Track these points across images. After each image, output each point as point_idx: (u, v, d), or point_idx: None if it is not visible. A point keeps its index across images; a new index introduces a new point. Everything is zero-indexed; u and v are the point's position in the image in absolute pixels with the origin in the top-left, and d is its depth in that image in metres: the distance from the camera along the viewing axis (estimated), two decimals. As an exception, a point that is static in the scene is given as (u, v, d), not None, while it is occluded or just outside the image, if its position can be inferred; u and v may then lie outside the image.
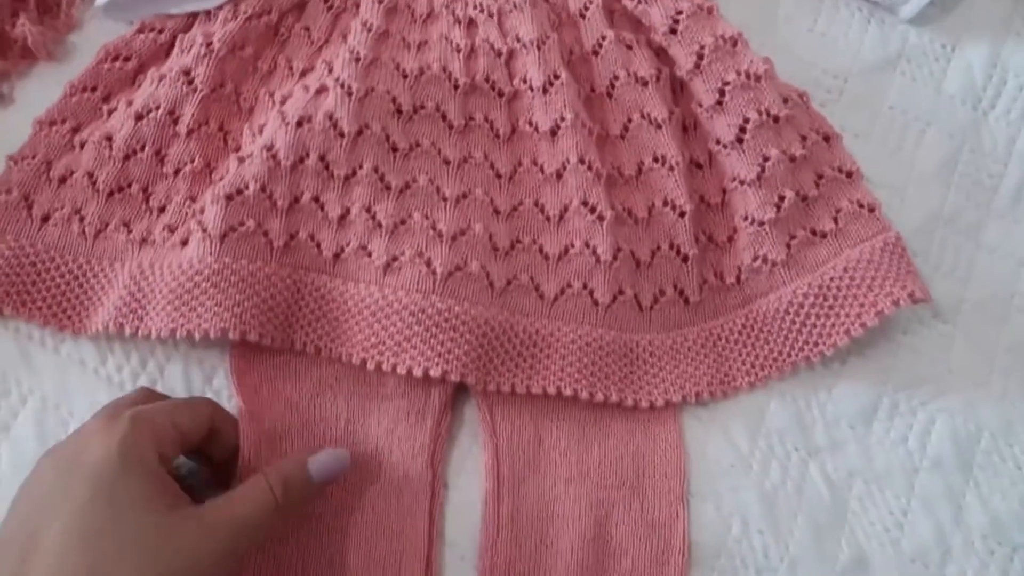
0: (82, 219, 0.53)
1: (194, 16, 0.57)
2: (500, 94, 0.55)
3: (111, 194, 0.54)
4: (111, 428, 0.43)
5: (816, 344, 0.54)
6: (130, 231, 0.53)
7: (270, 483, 0.45)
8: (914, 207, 0.59)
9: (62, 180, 0.54)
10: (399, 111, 0.53)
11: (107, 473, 0.41)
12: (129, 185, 0.54)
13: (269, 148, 0.52)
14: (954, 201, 0.60)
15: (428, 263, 0.51)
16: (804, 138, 0.55)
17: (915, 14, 0.61)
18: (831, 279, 0.53)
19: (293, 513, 0.47)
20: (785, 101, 0.54)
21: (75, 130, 0.55)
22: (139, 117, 0.54)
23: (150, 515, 0.41)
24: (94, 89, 0.56)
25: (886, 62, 0.62)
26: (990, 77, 0.61)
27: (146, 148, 0.54)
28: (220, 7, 0.55)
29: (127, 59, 0.56)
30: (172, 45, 0.56)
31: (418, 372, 0.50)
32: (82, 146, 0.54)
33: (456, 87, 0.54)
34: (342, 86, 0.53)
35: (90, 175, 0.54)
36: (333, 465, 0.48)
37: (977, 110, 0.61)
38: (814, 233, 0.54)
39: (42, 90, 0.57)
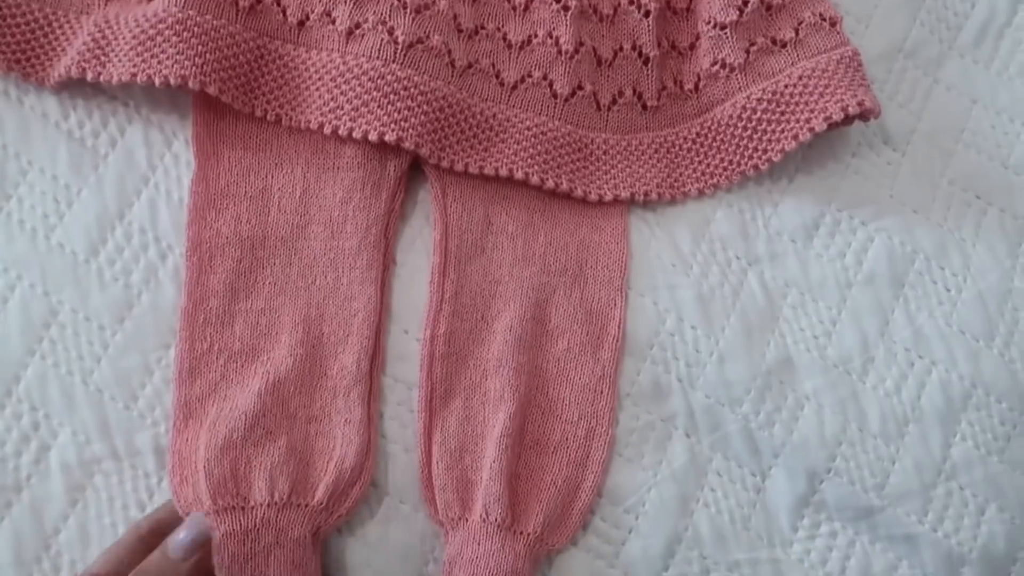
0: (50, -31, 0.54)
1: None
2: None
3: (80, -52, 0.54)
4: None
5: (765, 151, 0.55)
6: (97, -16, 0.54)
7: None
8: (877, 36, 0.60)
9: (29, -72, 0.54)
10: None
11: None
12: (97, -61, 0.54)
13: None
14: (917, 35, 0.61)
15: (391, 32, 0.52)
16: (774, -54, 0.55)
17: None
18: (785, 86, 0.54)
19: None
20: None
21: None
22: None
23: None
24: None
25: None
26: (966, -88, 0.62)
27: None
28: None
29: None
30: None
31: (373, 136, 0.51)
32: None
33: None
34: None
35: (59, -75, 0.54)
36: (193, 529, 0.46)
37: (951, -53, 0.62)
38: (774, 42, 0.55)
39: None
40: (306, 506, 0.48)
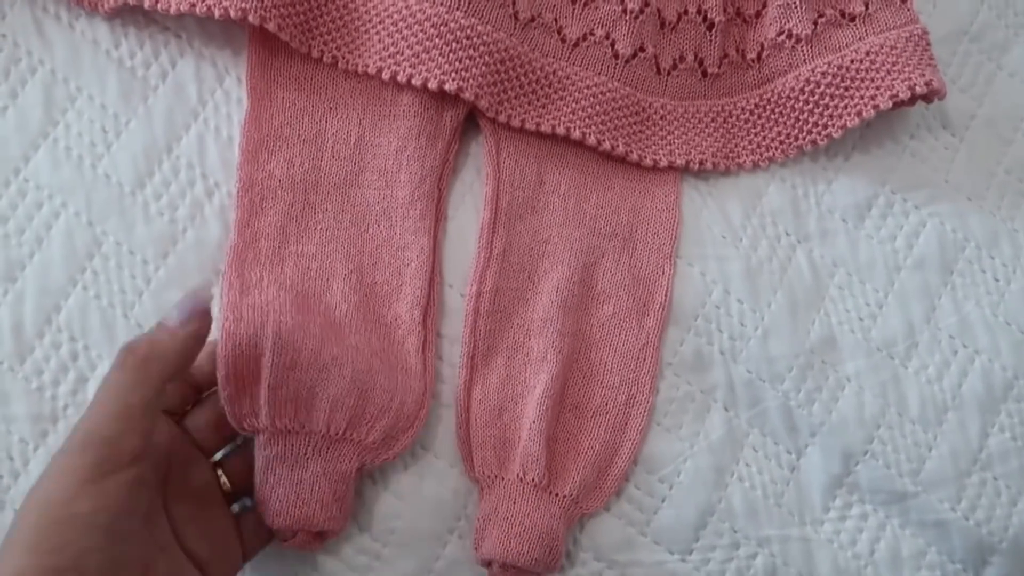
0: None
1: None
2: None
3: None
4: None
5: (826, 127, 0.54)
6: (156, -90, 0.52)
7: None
8: (943, 17, 0.59)
9: None
10: None
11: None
12: None
13: None
14: (984, 19, 0.60)
15: (456, -23, 0.51)
16: (849, -83, 0.54)
17: None
18: (851, 61, 0.53)
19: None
20: None
21: None
22: None
23: None
24: None
25: None
26: None
27: None
28: None
29: None
30: None
31: (433, 85, 0.50)
32: None
33: None
34: None
35: None
36: (187, 302, 0.42)
37: (1025, -70, 0.61)
38: (843, 15, 0.54)
39: None
40: (359, 442, 0.47)
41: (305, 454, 0.46)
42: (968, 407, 0.55)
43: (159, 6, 0.50)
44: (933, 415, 0.54)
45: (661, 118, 0.55)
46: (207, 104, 0.53)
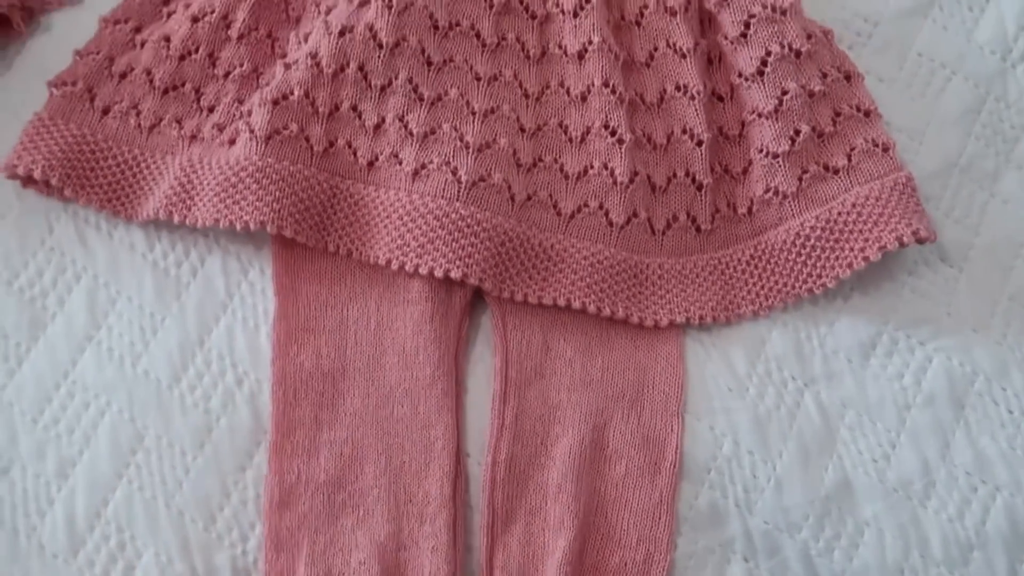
0: (138, 113, 0.58)
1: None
2: (533, 16, 0.57)
3: (166, 91, 0.58)
4: None
5: (819, 276, 0.56)
6: (182, 127, 0.57)
7: None
8: (931, 153, 0.61)
9: (122, 76, 0.58)
10: (435, 26, 0.56)
11: None
12: (183, 84, 0.58)
13: (313, 56, 0.55)
14: (973, 149, 0.61)
15: (454, 172, 0.54)
16: (825, 75, 0.56)
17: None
18: (839, 214, 0.55)
19: None
20: (809, 37, 0.56)
21: (137, 29, 0.59)
22: (195, 20, 0.58)
23: None
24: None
25: (918, 8, 0.63)
26: (1022, 28, 0.62)
27: (200, 50, 0.58)
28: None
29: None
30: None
31: (439, 273, 0.53)
32: (142, 45, 0.58)
33: (491, 6, 0.57)
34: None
35: (148, 72, 0.58)
36: None
37: (1006, 61, 0.62)
38: (827, 168, 0.56)
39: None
40: None
41: None
42: (993, 545, 0.54)
43: (187, 220, 0.54)
44: (958, 555, 0.54)
45: (659, 277, 0.57)
46: (234, 296, 0.58)
